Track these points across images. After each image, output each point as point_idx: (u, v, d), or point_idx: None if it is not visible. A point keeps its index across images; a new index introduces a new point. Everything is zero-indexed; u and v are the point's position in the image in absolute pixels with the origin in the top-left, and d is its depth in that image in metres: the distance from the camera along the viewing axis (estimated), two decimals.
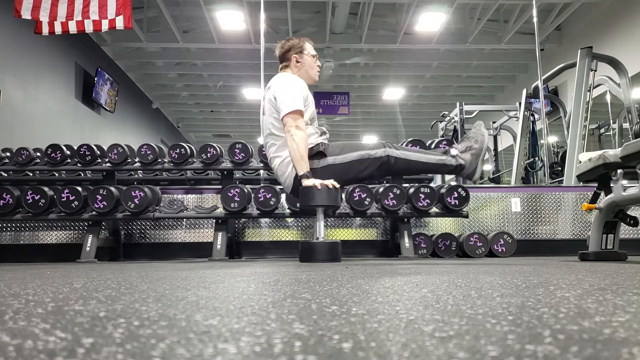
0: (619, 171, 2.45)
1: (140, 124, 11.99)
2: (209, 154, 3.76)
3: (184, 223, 3.91)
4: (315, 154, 2.61)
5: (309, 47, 2.83)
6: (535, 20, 5.61)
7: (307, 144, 2.54)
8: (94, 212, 3.45)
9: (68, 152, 3.86)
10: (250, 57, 9.64)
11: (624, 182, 2.47)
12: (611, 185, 2.56)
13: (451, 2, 8.19)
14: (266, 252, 3.90)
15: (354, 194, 3.40)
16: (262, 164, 3.84)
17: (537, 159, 6.46)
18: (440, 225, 3.98)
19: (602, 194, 2.75)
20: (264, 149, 3.79)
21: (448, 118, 7.53)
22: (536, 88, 5.82)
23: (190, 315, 0.64)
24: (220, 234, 3.47)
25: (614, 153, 2.49)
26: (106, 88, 9.26)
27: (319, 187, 2.49)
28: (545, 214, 4.02)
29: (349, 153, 2.61)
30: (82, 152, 3.79)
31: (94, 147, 3.84)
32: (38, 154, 4.05)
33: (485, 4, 8.60)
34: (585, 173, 2.74)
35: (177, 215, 3.57)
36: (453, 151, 2.61)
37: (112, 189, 3.47)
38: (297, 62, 2.80)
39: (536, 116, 6.47)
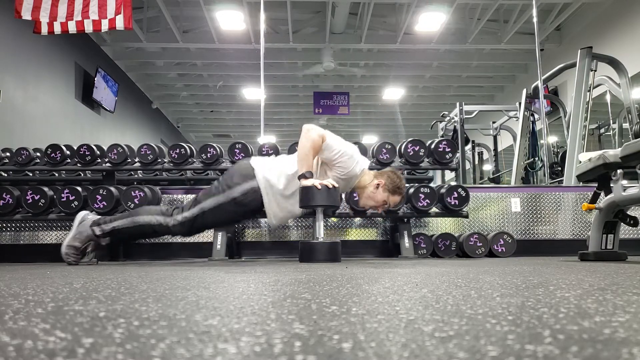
0: (619, 171, 2.45)
1: (140, 124, 11.99)
2: (209, 154, 3.76)
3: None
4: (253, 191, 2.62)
5: (392, 199, 2.72)
6: (535, 20, 5.61)
7: (315, 148, 2.54)
8: (94, 212, 3.45)
9: (68, 152, 3.85)
10: (250, 57, 9.64)
11: (624, 182, 2.47)
12: (611, 185, 2.56)
13: (451, 2, 8.19)
14: (266, 252, 3.90)
15: (354, 194, 3.40)
16: None
17: (537, 159, 6.46)
18: (440, 225, 3.98)
19: (602, 194, 2.75)
20: (263, 149, 3.80)
21: (448, 118, 7.53)
22: (536, 88, 5.83)
23: (190, 315, 0.64)
24: (220, 234, 3.47)
25: (614, 153, 2.49)
26: (103, 85, 9.26)
27: (319, 187, 2.49)
28: (545, 214, 4.02)
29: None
30: (82, 152, 3.79)
31: (94, 147, 3.83)
32: (38, 154, 4.04)
33: (485, 4, 8.61)
34: (585, 173, 2.74)
35: None
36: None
37: (112, 189, 3.47)
38: (377, 187, 2.70)
39: (536, 116, 6.47)
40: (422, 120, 14.00)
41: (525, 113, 6.37)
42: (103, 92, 9.21)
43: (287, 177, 2.62)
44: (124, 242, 3.38)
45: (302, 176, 2.53)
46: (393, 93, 12.46)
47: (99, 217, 2.73)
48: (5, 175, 4.55)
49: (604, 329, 0.51)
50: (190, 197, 3.91)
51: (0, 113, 6.25)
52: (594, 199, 2.72)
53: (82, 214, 2.73)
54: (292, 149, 3.66)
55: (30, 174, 4.57)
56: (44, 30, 5.30)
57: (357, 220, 3.92)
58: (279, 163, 2.72)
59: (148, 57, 10.65)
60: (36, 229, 3.85)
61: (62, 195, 3.45)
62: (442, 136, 7.51)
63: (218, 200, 2.63)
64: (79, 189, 3.49)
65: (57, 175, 4.63)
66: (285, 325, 0.55)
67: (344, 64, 10.98)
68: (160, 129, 13.53)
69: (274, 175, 2.64)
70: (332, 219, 3.85)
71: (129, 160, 3.84)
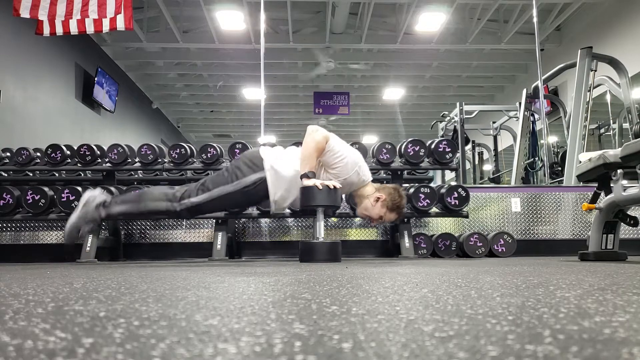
0: (619, 171, 2.45)
1: (140, 124, 11.99)
2: (209, 154, 3.76)
3: (184, 223, 3.91)
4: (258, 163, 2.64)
5: (389, 216, 2.73)
6: (535, 20, 5.61)
7: (318, 149, 2.54)
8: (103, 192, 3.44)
9: (68, 152, 3.86)
10: (250, 57, 9.64)
11: (624, 182, 2.47)
12: (611, 185, 2.56)
13: (451, 2, 8.19)
14: (266, 252, 3.90)
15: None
16: None
17: (537, 159, 6.47)
18: (440, 225, 3.98)
19: (602, 194, 2.75)
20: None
21: (448, 118, 7.53)
22: (536, 88, 5.83)
23: (190, 315, 0.64)
24: (220, 234, 3.47)
25: (614, 153, 2.49)
26: (103, 85, 9.26)
27: (320, 187, 2.50)
28: (545, 214, 4.02)
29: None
30: (82, 152, 3.79)
31: (94, 147, 3.84)
32: (38, 154, 4.04)
33: (485, 4, 8.61)
34: (585, 173, 2.74)
35: None
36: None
37: (112, 189, 3.47)
38: (377, 200, 2.69)
39: (536, 116, 6.47)
40: (422, 120, 14.00)
41: (525, 113, 6.37)
42: (103, 92, 9.21)
43: (295, 170, 2.62)
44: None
45: (305, 176, 2.53)
46: (393, 93, 12.46)
47: (104, 199, 2.72)
48: (6, 175, 4.55)
49: (604, 329, 0.51)
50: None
51: (0, 113, 6.25)
52: (594, 199, 2.72)
53: (87, 195, 2.72)
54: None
55: (31, 174, 4.57)
56: (46, 31, 5.30)
57: (357, 220, 3.92)
58: (288, 154, 2.72)
59: (148, 57, 10.65)
60: (36, 229, 3.85)
61: (62, 195, 3.45)
62: (442, 136, 7.51)
63: (227, 189, 2.64)
64: (79, 189, 3.49)
65: (57, 175, 4.63)
66: (285, 325, 0.55)
67: (344, 64, 10.98)
68: (160, 129, 13.53)
69: (282, 164, 2.65)
70: (332, 219, 3.85)
71: (129, 160, 3.84)
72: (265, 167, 2.63)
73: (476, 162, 8.65)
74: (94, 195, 2.73)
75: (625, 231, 3.87)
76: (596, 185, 2.81)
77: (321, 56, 10.09)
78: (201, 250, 3.78)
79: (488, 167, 8.90)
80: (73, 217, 2.63)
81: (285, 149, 2.83)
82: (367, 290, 0.97)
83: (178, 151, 3.75)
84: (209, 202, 2.67)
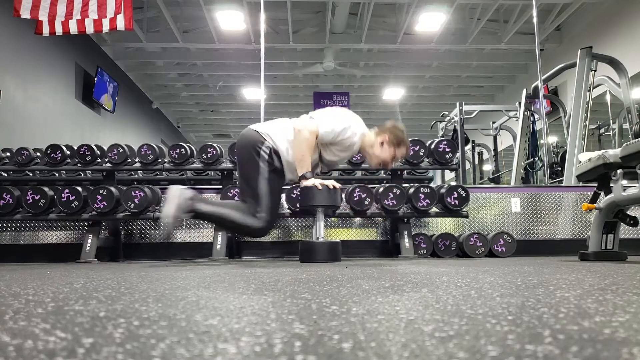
0: (618, 171, 2.45)
1: (140, 124, 11.99)
2: (209, 154, 3.76)
3: (184, 223, 3.91)
4: (273, 153, 2.62)
5: (398, 153, 2.75)
6: (535, 20, 5.61)
7: (310, 147, 2.55)
8: (94, 212, 3.45)
9: (68, 152, 3.86)
10: (250, 57, 9.64)
11: (624, 182, 2.47)
12: (611, 185, 2.56)
13: (451, 2, 8.19)
14: (266, 252, 3.90)
15: (354, 194, 3.40)
16: None
17: (537, 159, 6.46)
18: (440, 225, 3.98)
19: (602, 194, 2.75)
20: None
21: (448, 118, 7.53)
22: (536, 88, 5.82)
23: (190, 315, 0.64)
24: (220, 233, 3.47)
25: (614, 153, 2.49)
26: (103, 85, 9.26)
27: (319, 187, 2.50)
28: (545, 214, 4.02)
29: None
30: (82, 152, 3.79)
31: (94, 147, 3.83)
32: (38, 154, 4.05)
33: (485, 4, 8.60)
34: (585, 173, 2.74)
35: None
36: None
37: (112, 189, 3.47)
38: (382, 144, 2.71)
39: (536, 116, 6.47)
40: (422, 120, 13.99)
41: (525, 113, 6.37)
42: (103, 91, 9.21)
43: (290, 144, 2.62)
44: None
45: (303, 177, 2.53)
46: (393, 93, 12.46)
47: (192, 194, 2.67)
48: (6, 175, 4.55)
49: (604, 329, 0.51)
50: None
51: (0, 113, 6.25)
52: (594, 199, 2.72)
53: (177, 188, 2.67)
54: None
55: (31, 174, 4.57)
56: (45, 31, 5.30)
57: (357, 220, 3.92)
58: (280, 130, 2.70)
59: (148, 57, 10.65)
60: (36, 229, 3.85)
61: (62, 195, 3.45)
62: (442, 136, 7.51)
63: (264, 176, 2.60)
64: (79, 189, 3.49)
65: (57, 175, 4.63)
66: (285, 325, 0.55)
67: (344, 64, 10.98)
68: (160, 129, 13.53)
69: (269, 126, 2.69)
70: (332, 218, 3.85)
71: (129, 160, 3.84)
72: (266, 139, 2.63)
73: (476, 162, 8.65)
74: (181, 188, 2.69)
75: (625, 231, 3.87)
76: (596, 185, 2.81)
77: (323, 56, 10.08)
78: (201, 250, 3.78)
79: (488, 167, 8.90)
80: (170, 209, 2.57)
81: (274, 122, 2.82)
82: (367, 290, 0.97)
83: (178, 151, 3.75)
84: (270, 203, 2.61)
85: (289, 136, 2.63)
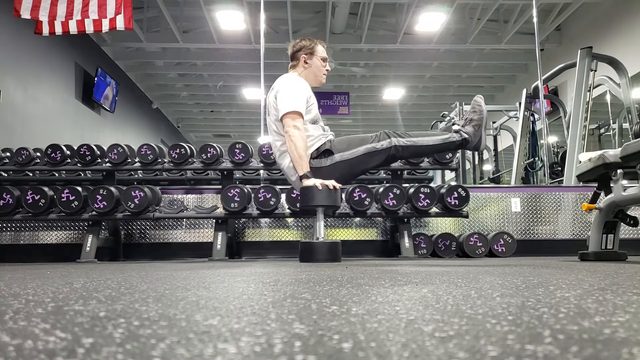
0: (619, 171, 2.44)
1: (140, 124, 11.99)
2: (209, 154, 3.76)
3: (184, 223, 3.91)
4: (323, 152, 2.62)
5: (320, 50, 2.82)
6: (535, 20, 5.61)
7: (305, 143, 2.54)
8: (94, 212, 3.45)
9: (68, 152, 3.86)
10: (250, 57, 9.64)
11: (624, 182, 2.47)
12: (611, 185, 2.56)
13: (451, 2, 8.19)
14: (266, 252, 3.90)
15: (354, 194, 3.40)
16: (262, 164, 3.83)
17: (537, 159, 6.46)
18: (440, 225, 3.98)
19: (602, 194, 2.75)
20: (264, 149, 3.80)
21: (448, 118, 7.53)
22: (536, 88, 5.83)
23: (190, 315, 0.64)
24: (220, 234, 3.47)
25: (614, 153, 2.49)
26: (103, 85, 9.26)
27: (320, 187, 2.49)
28: (545, 214, 4.02)
29: (356, 148, 2.61)
30: (82, 152, 3.79)
31: (94, 147, 3.84)
32: (38, 154, 4.05)
33: (485, 4, 8.61)
34: (585, 173, 2.74)
35: (177, 215, 3.57)
36: (455, 127, 2.64)
37: (112, 189, 3.47)
38: (306, 62, 2.79)
39: (536, 116, 6.47)
40: (422, 120, 14.00)
41: (525, 113, 6.37)
42: (103, 91, 9.21)
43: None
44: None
45: (303, 176, 2.53)
46: (393, 93, 12.46)
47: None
48: (6, 175, 4.55)
49: (604, 329, 0.51)
50: (190, 197, 3.92)
51: (0, 113, 6.25)
52: (594, 199, 2.72)
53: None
54: None
55: (31, 174, 4.57)
56: (45, 31, 5.30)
57: (357, 220, 3.92)
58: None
59: (148, 57, 10.65)
60: (36, 229, 3.85)
61: (62, 195, 3.45)
62: None
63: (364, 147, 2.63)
64: (79, 189, 3.49)
65: (57, 175, 4.63)
66: (285, 325, 0.55)
67: (344, 63, 10.98)
68: (160, 129, 13.53)
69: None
70: (332, 218, 3.85)
71: (129, 160, 3.84)
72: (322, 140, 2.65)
73: (476, 162, 8.65)
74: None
75: (625, 231, 3.87)
76: (596, 185, 2.81)
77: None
78: (201, 250, 3.79)
79: (488, 167, 8.90)
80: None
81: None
82: (367, 290, 0.97)
83: (178, 151, 3.75)
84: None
85: (281, 131, 2.65)
